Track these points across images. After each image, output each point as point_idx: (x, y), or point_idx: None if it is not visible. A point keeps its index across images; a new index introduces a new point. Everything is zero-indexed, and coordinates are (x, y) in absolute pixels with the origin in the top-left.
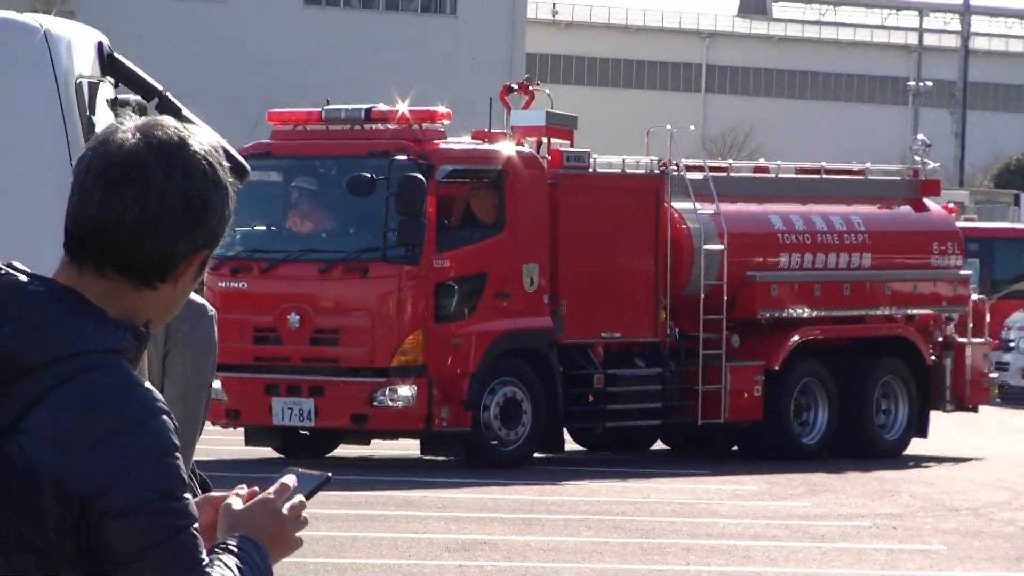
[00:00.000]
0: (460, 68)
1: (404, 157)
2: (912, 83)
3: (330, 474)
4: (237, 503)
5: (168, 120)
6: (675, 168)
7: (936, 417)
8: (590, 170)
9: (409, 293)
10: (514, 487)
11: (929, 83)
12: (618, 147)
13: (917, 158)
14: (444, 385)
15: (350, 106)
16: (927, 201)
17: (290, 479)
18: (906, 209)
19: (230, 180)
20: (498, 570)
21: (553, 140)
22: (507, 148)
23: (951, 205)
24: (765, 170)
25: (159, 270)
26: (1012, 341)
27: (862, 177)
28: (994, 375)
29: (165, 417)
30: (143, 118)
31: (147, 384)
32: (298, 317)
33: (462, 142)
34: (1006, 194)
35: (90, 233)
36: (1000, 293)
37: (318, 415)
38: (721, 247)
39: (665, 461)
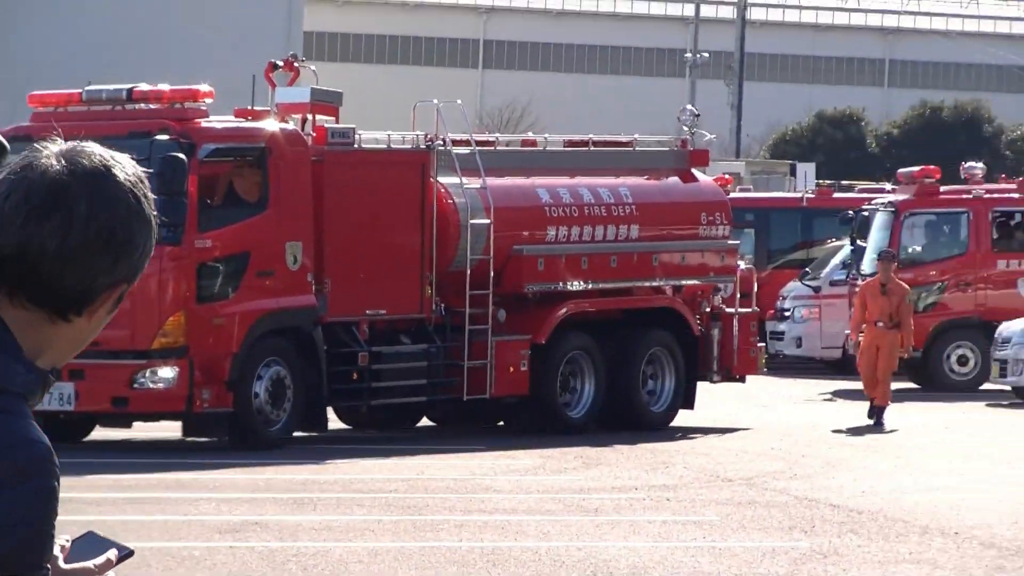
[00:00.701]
0: (234, 48)
1: (165, 137)
2: (689, 55)
3: (133, 550)
4: (62, 559)
5: (93, 147)
6: (441, 143)
7: (712, 388)
8: (355, 146)
9: (170, 274)
10: (286, 467)
11: (706, 54)
12: (395, 124)
13: (686, 128)
14: (206, 366)
15: (111, 86)
16: (696, 172)
17: (112, 553)
18: (675, 180)
19: (154, 212)
20: (270, 551)
21: (318, 117)
22: (270, 125)
23: (726, 176)
24: (533, 144)
25: (76, 303)
26: (787, 311)
27: (631, 149)
28: (761, 344)
29: (55, 482)
30: (67, 143)
31: (45, 438)
32: None
33: (224, 120)
34: (782, 164)
35: (8, 261)
36: (775, 263)
37: (78, 399)
38: (487, 222)
39: (440, 438)
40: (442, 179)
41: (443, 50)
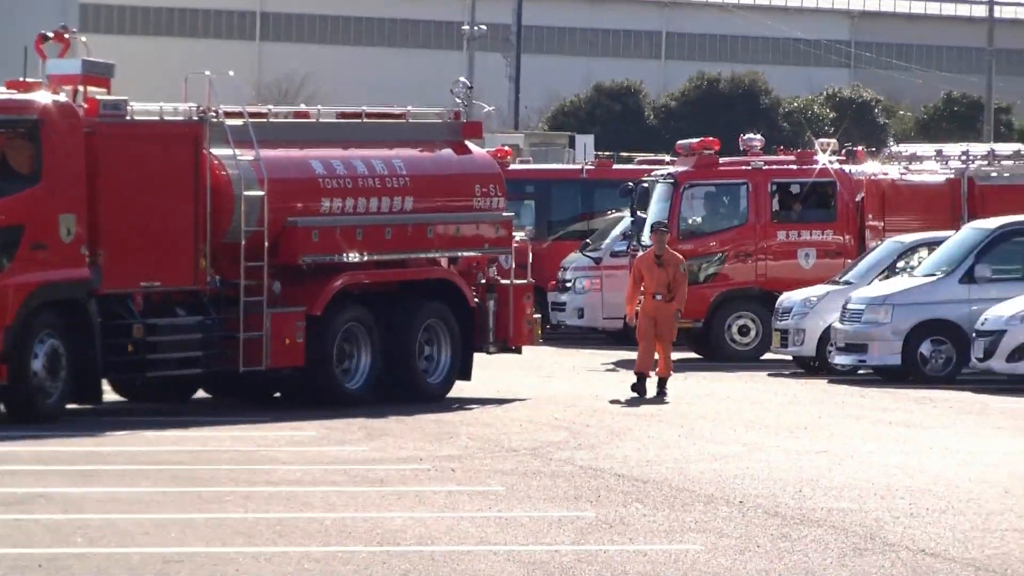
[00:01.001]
0: (5, 18)
1: None
2: (466, 27)
3: None
4: None
5: None
6: (214, 115)
7: (494, 360)
8: (128, 118)
9: None
10: (69, 439)
11: (483, 27)
12: (168, 97)
13: (458, 100)
14: None
15: None
16: (470, 144)
17: None
18: (448, 152)
19: None
20: (55, 523)
21: (90, 88)
22: (42, 97)
23: (505, 148)
24: (306, 115)
25: None
26: (569, 282)
27: (403, 121)
28: (537, 316)
29: None
30: None
31: None
32: None
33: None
34: (561, 136)
35: None
36: (556, 235)
37: None
38: (261, 193)
39: (219, 410)
40: (215, 151)
41: (220, 22)
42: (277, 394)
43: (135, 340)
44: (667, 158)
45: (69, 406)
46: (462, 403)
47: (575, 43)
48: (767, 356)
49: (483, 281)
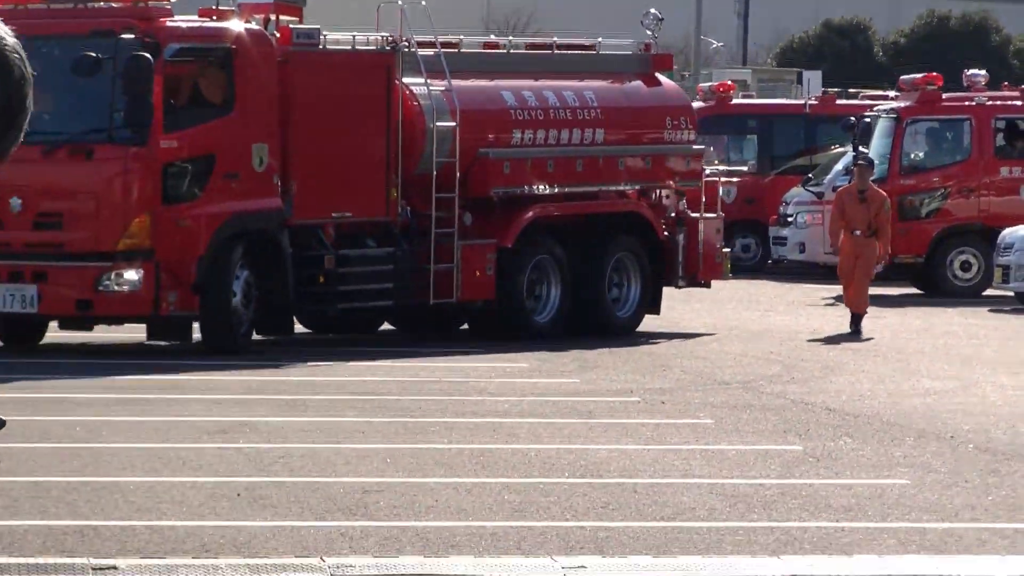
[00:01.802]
0: None
1: (130, 36)
2: None
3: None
4: None
5: None
6: (406, 44)
7: (712, 293)
8: (320, 47)
9: (136, 175)
10: (279, 369)
11: None
12: (362, 27)
13: (648, 32)
14: (173, 269)
15: None
16: (660, 76)
17: None
18: (638, 84)
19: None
20: (257, 452)
21: (282, 17)
22: (235, 25)
23: (729, 83)
24: (496, 46)
25: None
26: (790, 216)
27: (594, 52)
28: (726, 250)
29: None
30: None
31: None
32: (20, 201)
33: (189, 20)
34: (789, 72)
35: None
36: (779, 169)
37: (41, 300)
38: (453, 124)
39: (435, 341)
40: (407, 81)
41: None
42: (464, 326)
43: (326, 271)
44: (891, 94)
45: (255, 337)
46: (670, 336)
47: None
48: (988, 292)
49: (673, 215)
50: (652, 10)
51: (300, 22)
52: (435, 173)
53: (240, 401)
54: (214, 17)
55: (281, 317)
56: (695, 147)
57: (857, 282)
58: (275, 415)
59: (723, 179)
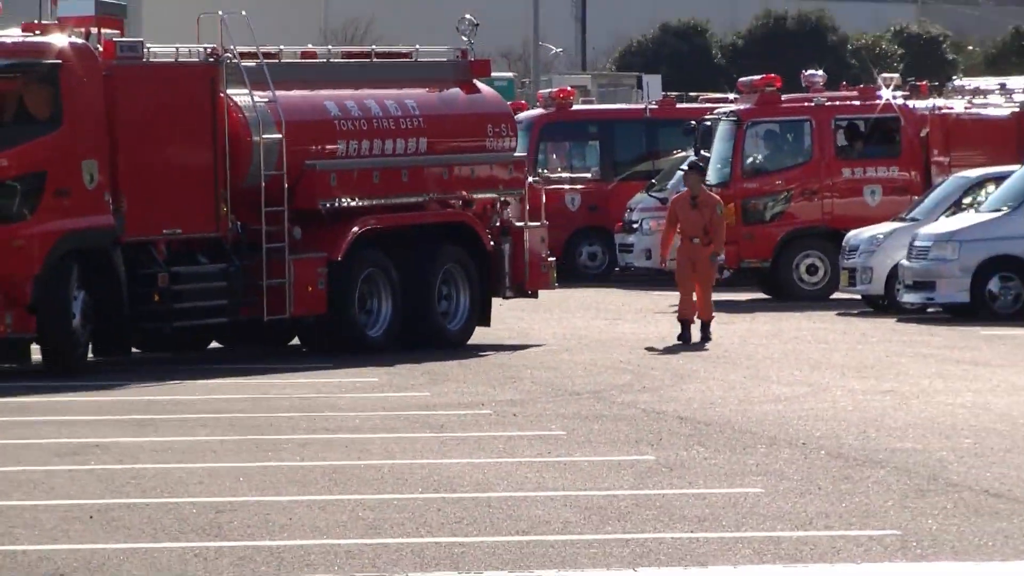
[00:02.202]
0: None
1: None
2: None
3: None
4: None
5: None
6: (229, 55)
7: (558, 299)
8: (144, 60)
9: None
10: (128, 389)
11: None
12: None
13: (464, 38)
14: (6, 289)
15: None
16: (478, 83)
17: None
18: (458, 91)
19: None
20: (109, 473)
21: (104, 31)
22: (60, 40)
23: (568, 88)
24: (314, 55)
25: None
26: (635, 223)
27: (413, 60)
28: (552, 259)
29: None
30: None
31: None
32: None
33: (11, 35)
34: (628, 77)
35: None
36: (622, 175)
37: None
38: (279, 136)
39: (285, 357)
40: (231, 92)
41: None
42: (295, 341)
43: (160, 289)
44: (731, 96)
45: (91, 358)
46: (518, 347)
47: None
48: (835, 295)
49: (497, 224)
50: (467, 15)
51: (122, 35)
52: (264, 186)
53: (89, 422)
54: (37, 32)
55: (118, 336)
56: (517, 155)
57: (701, 291)
58: (126, 435)
59: (567, 186)
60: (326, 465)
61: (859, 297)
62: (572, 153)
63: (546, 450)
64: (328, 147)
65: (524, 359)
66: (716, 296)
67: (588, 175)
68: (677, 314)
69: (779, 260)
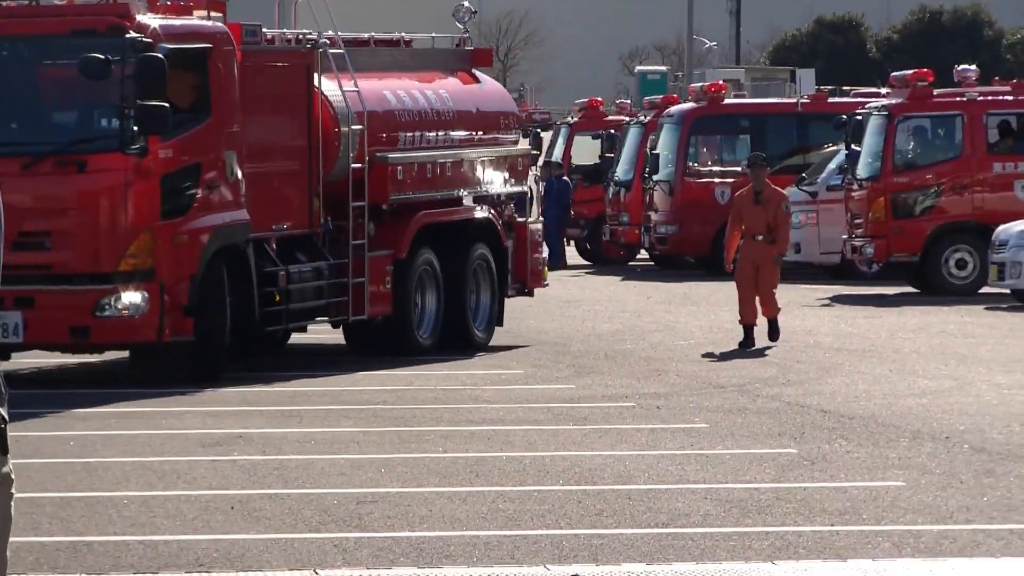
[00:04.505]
0: None
1: (137, 36)
2: None
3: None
4: None
5: None
6: (327, 41)
7: (715, 290)
8: (262, 45)
9: (138, 188)
10: (275, 381)
11: None
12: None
13: (460, 25)
14: (170, 291)
15: None
16: (478, 73)
17: None
18: (469, 82)
19: None
20: (251, 463)
21: (212, 12)
22: (215, 24)
23: (720, 82)
24: (361, 42)
25: None
26: None
27: (415, 48)
28: (543, 256)
29: None
30: None
31: None
32: None
33: (172, 18)
34: (782, 71)
35: None
36: (772, 169)
37: (27, 329)
38: (361, 127)
39: (430, 348)
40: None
41: None
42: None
43: (281, 289)
44: (883, 91)
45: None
46: (665, 340)
47: None
48: (984, 290)
49: (503, 220)
50: (465, 2)
51: (225, 17)
52: (351, 180)
53: (234, 413)
54: (177, 12)
55: (250, 338)
56: (524, 148)
57: (765, 292)
58: (270, 426)
59: (717, 180)
60: (468, 457)
61: (1008, 292)
62: (723, 147)
63: (688, 443)
64: (392, 139)
65: (670, 352)
66: (865, 290)
67: (738, 169)
68: (739, 318)
69: (928, 254)
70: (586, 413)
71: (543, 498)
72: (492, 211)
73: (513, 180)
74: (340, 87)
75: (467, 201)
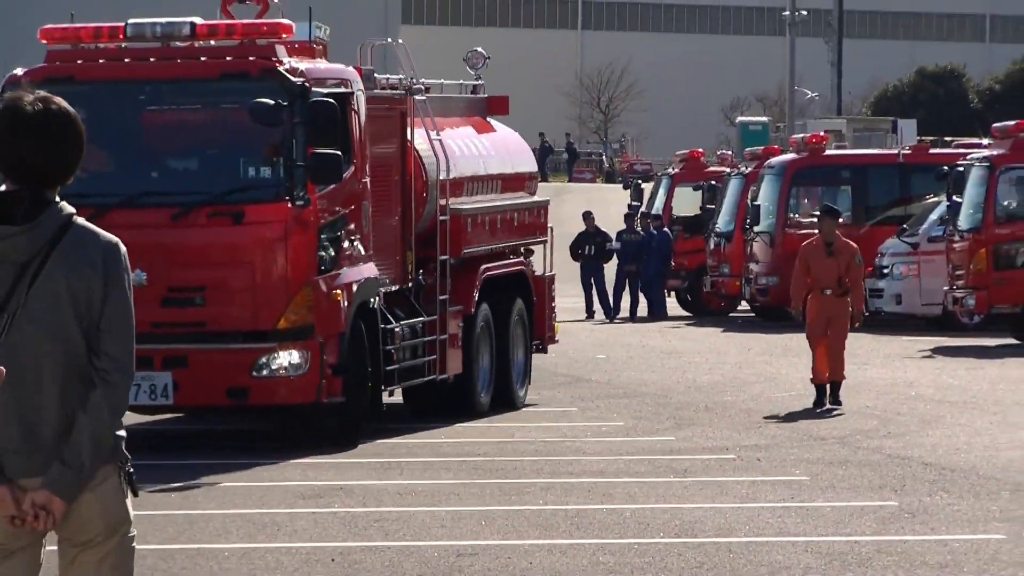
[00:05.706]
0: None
1: (296, 79)
2: (787, 13)
3: None
4: None
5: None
6: (422, 87)
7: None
8: (375, 91)
9: (298, 240)
10: (375, 432)
11: (804, 12)
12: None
13: (471, 72)
14: (324, 348)
15: (162, 20)
16: (492, 121)
17: None
18: (478, 129)
19: None
20: (351, 516)
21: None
22: (347, 67)
23: (822, 133)
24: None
25: None
26: (886, 268)
27: (440, 95)
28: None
29: None
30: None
31: None
32: (145, 275)
33: (307, 60)
34: (884, 121)
35: None
36: (873, 220)
37: (178, 391)
38: (446, 177)
39: (531, 401)
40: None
41: (541, 10)
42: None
43: (398, 347)
44: (985, 141)
45: None
46: (767, 392)
47: (897, 27)
48: None
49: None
50: (478, 48)
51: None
52: (439, 233)
53: (334, 464)
54: (303, 55)
55: (374, 396)
56: (541, 199)
57: (832, 351)
58: (370, 478)
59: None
60: (568, 509)
61: None
62: (824, 198)
63: (789, 495)
64: (458, 189)
65: (770, 404)
66: (966, 341)
67: (839, 220)
68: (811, 377)
69: None
70: (686, 465)
71: (644, 551)
72: (524, 264)
73: (536, 232)
74: (428, 134)
75: (507, 254)
